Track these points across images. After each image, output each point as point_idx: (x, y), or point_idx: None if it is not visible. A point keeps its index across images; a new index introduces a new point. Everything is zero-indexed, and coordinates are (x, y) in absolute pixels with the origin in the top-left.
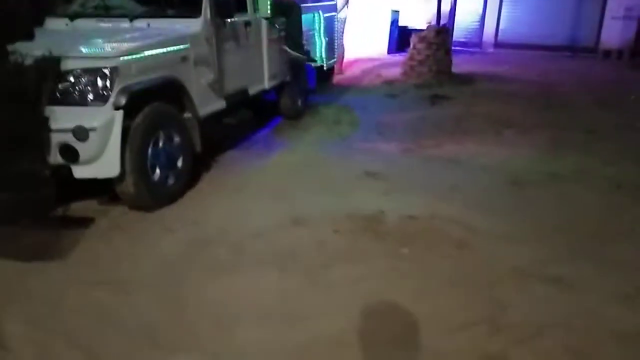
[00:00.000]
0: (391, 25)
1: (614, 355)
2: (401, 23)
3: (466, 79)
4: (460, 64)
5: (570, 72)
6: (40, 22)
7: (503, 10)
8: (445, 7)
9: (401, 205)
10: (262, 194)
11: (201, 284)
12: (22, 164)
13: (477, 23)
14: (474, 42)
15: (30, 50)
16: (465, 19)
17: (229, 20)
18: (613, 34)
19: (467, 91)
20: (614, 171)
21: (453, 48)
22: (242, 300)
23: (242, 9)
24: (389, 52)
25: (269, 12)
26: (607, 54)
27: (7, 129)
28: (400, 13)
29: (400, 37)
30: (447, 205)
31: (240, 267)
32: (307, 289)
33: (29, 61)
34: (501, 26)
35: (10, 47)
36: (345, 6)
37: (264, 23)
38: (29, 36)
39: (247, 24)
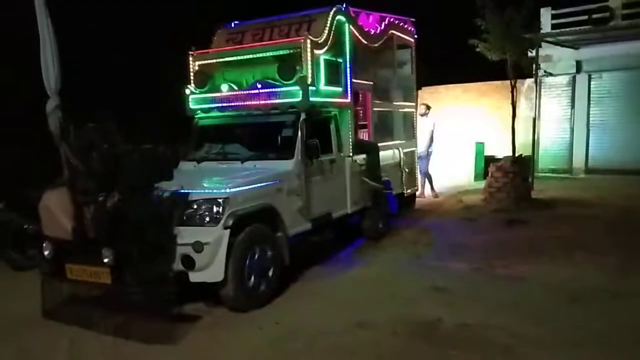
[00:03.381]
0: (477, 156)
1: None
2: (487, 153)
3: (547, 204)
4: (545, 190)
5: None
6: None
7: (591, 137)
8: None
9: (459, 314)
10: (336, 301)
11: None
12: (156, 267)
13: (566, 150)
14: (564, 169)
15: (169, 186)
16: (553, 147)
17: (316, 159)
18: None
19: (545, 215)
20: None
21: (542, 174)
22: None
23: (329, 149)
24: (475, 180)
25: (351, 152)
26: None
27: (149, 240)
28: (485, 144)
29: (486, 166)
30: (502, 316)
31: (310, 358)
32: None
33: (167, 194)
34: (590, 152)
35: (156, 184)
36: (431, 142)
37: (347, 160)
38: (169, 176)
39: (332, 161)
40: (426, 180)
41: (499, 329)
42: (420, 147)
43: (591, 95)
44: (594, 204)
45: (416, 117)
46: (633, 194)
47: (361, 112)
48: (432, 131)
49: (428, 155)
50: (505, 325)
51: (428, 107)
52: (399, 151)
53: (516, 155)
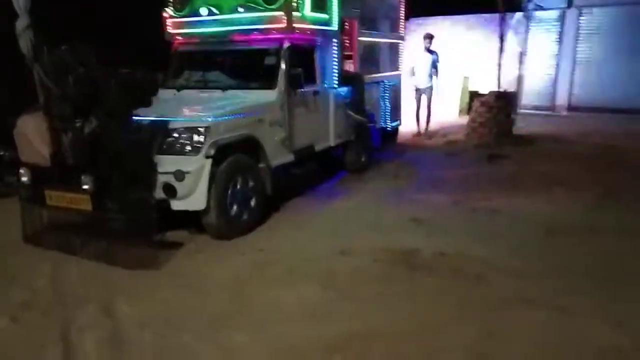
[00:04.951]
0: (462, 91)
1: None
2: (472, 88)
3: (528, 141)
4: (527, 126)
5: None
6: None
7: (576, 75)
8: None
9: (436, 244)
10: (318, 230)
11: (260, 291)
12: (137, 193)
13: (550, 87)
14: (547, 106)
15: (148, 113)
16: (537, 84)
17: (299, 90)
18: None
19: (526, 151)
20: None
21: (525, 111)
22: (290, 304)
23: (313, 80)
24: (459, 115)
25: (335, 83)
26: None
27: (128, 167)
28: (471, 79)
29: (471, 101)
30: (479, 246)
31: (292, 281)
32: (340, 300)
33: (146, 121)
34: (574, 90)
35: (135, 111)
36: (435, 77)
37: (331, 91)
38: (148, 103)
39: (316, 92)
40: (417, 115)
41: (474, 259)
42: (424, 81)
43: (580, 31)
44: (575, 141)
45: (402, 49)
46: (613, 132)
47: (347, 41)
48: (438, 64)
49: (432, 89)
50: (480, 256)
51: (431, 37)
52: (385, 84)
53: (501, 90)
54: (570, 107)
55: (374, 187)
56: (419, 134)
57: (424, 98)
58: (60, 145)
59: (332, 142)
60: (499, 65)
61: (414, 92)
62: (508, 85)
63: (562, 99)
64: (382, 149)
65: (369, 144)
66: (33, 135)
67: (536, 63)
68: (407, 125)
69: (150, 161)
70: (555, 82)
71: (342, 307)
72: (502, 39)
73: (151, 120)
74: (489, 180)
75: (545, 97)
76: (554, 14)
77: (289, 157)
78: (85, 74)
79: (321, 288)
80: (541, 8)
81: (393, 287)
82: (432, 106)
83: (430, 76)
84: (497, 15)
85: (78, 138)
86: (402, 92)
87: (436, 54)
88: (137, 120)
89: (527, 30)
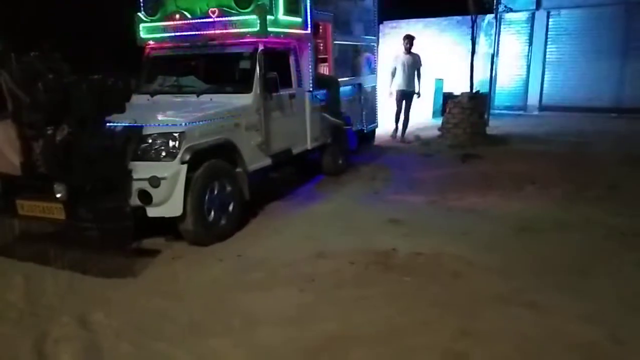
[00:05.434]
0: (435, 92)
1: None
2: (445, 90)
3: (501, 140)
4: (500, 126)
5: (610, 133)
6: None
7: (546, 75)
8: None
9: (413, 244)
10: (296, 234)
11: (238, 296)
12: (111, 201)
13: (521, 87)
14: (519, 106)
15: (121, 119)
16: (509, 84)
17: (275, 94)
18: None
19: (499, 151)
20: (621, 222)
21: (497, 111)
22: (268, 308)
23: (288, 84)
24: (433, 117)
25: (311, 86)
26: None
27: (102, 174)
28: (444, 81)
29: (444, 102)
30: (454, 245)
31: (270, 286)
32: (318, 303)
33: (119, 128)
34: (545, 90)
35: (107, 117)
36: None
37: (307, 95)
38: (122, 109)
39: (292, 96)
40: (399, 121)
41: (450, 257)
42: (407, 84)
43: (549, 33)
44: (546, 140)
45: (377, 51)
46: (583, 130)
47: (321, 45)
48: (420, 67)
49: (417, 94)
50: (457, 253)
51: (412, 39)
52: (360, 86)
53: (473, 91)
54: (542, 107)
55: (351, 190)
56: (395, 135)
57: (404, 102)
58: (31, 153)
59: (309, 145)
60: (472, 66)
61: (395, 94)
62: (481, 86)
63: (533, 99)
64: (359, 151)
65: (346, 147)
66: (2, 143)
67: (508, 64)
68: (384, 128)
69: (124, 168)
70: (526, 82)
71: (320, 310)
72: (473, 41)
73: (125, 126)
74: (463, 180)
75: (517, 97)
76: (523, 15)
77: (266, 161)
78: (56, 81)
79: (299, 292)
80: (511, 10)
81: (371, 288)
82: (410, 111)
83: (416, 80)
84: (468, 18)
85: (50, 146)
86: (378, 94)
87: (418, 56)
88: (111, 126)
89: (498, 32)
